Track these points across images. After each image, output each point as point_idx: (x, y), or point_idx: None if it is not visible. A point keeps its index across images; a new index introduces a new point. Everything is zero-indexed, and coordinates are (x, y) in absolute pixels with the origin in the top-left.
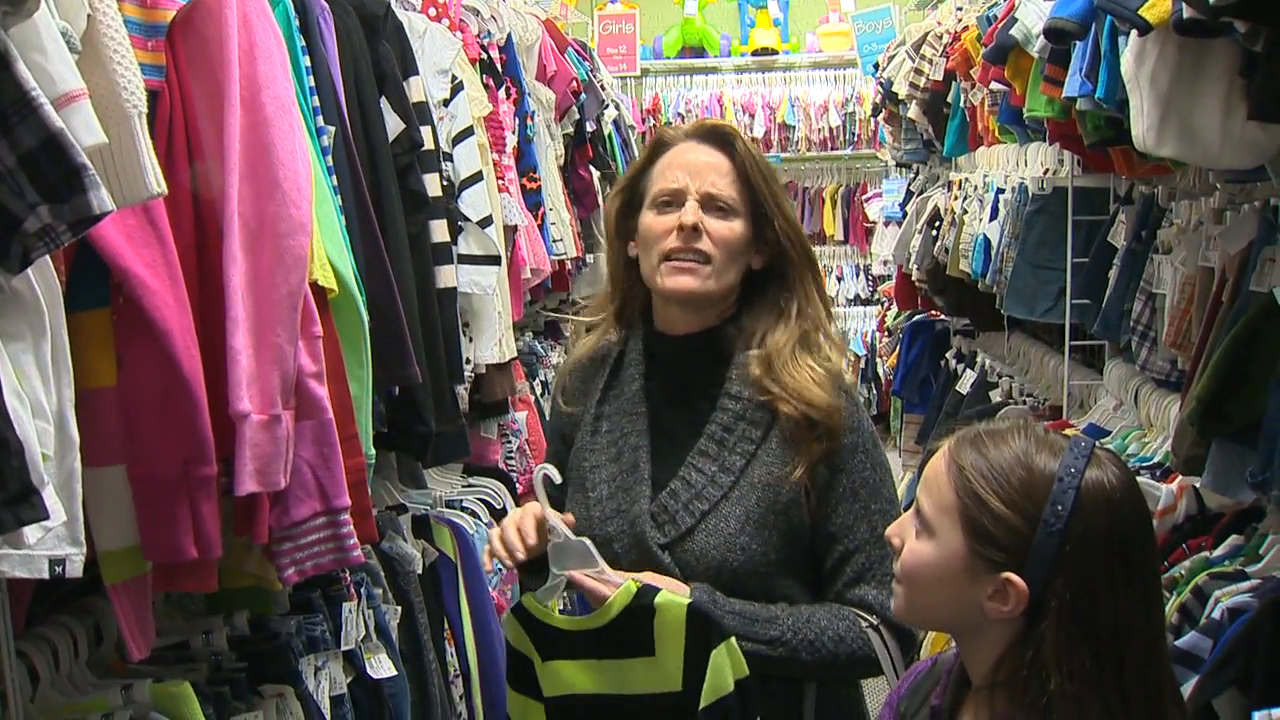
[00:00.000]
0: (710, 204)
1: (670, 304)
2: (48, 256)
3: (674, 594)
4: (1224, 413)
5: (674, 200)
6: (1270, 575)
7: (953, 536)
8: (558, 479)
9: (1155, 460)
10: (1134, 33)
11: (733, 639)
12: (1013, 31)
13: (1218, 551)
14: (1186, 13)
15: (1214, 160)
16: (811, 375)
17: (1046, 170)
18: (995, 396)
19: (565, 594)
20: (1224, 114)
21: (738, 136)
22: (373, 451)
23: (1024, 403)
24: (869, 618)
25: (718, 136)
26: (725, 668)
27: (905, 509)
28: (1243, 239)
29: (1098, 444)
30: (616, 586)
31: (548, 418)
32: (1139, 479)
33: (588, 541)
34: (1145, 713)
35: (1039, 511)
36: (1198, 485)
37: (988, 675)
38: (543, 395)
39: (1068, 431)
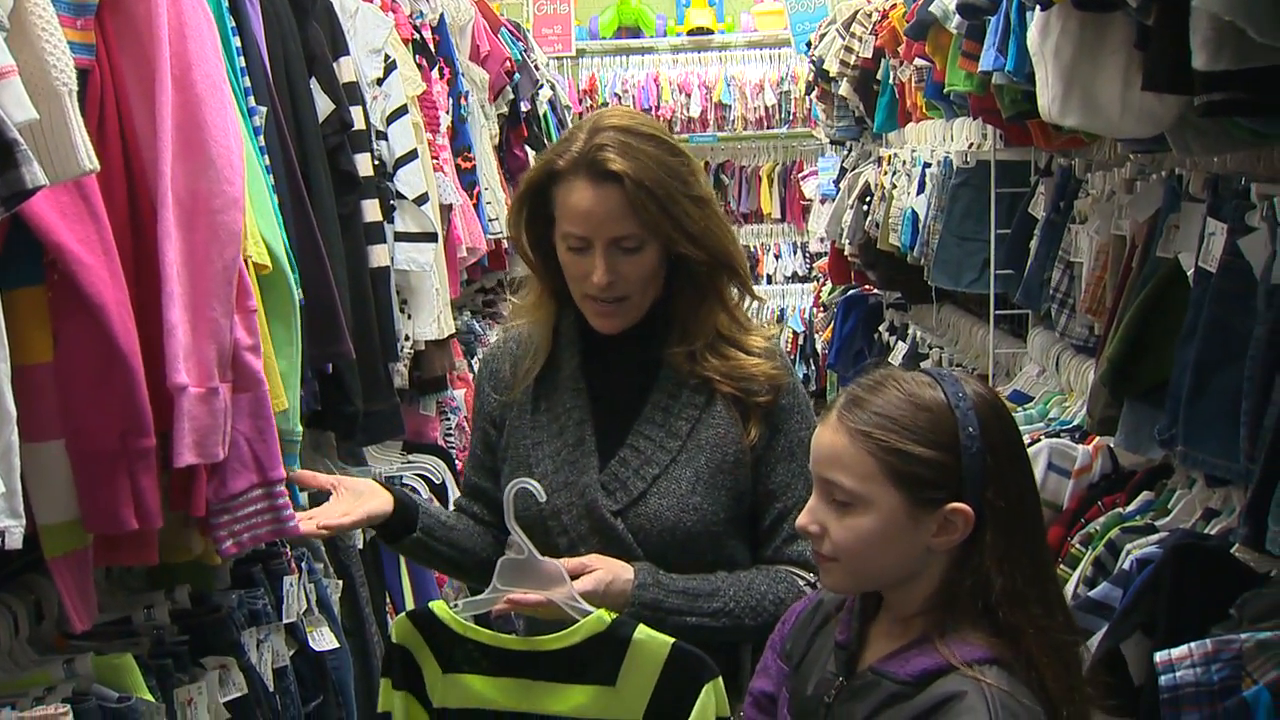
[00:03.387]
0: (617, 246)
1: None
2: None
3: (654, 633)
4: (1134, 374)
5: (582, 246)
6: (1177, 527)
7: (887, 497)
8: (542, 496)
9: (1075, 424)
10: (1038, 7)
11: (719, 679)
12: (931, 8)
13: (1130, 508)
14: None
15: (1115, 129)
16: (742, 349)
17: (971, 144)
18: (926, 367)
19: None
20: (1123, 85)
21: (625, 173)
22: (299, 428)
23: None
24: (806, 575)
25: (605, 174)
26: (711, 707)
27: None
28: (1150, 207)
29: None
30: (586, 614)
31: (474, 402)
32: (1057, 440)
33: (560, 563)
34: (1058, 593)
35: (955, 440)
36: (1112, 445)
37: (923, 603)
38: None
39: None
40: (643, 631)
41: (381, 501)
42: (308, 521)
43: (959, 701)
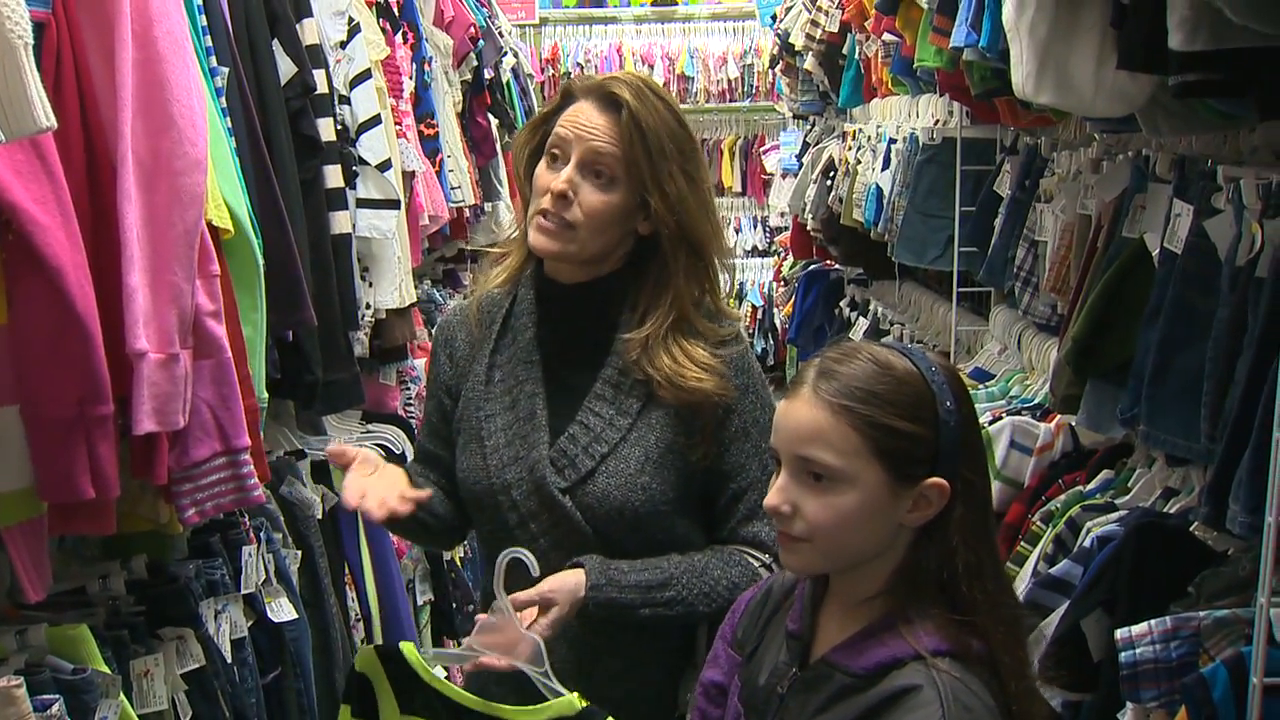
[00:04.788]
0: (590, 167)
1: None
2: None
3: None
4: (1097, 353)
5: (560, 155)
6: (1137, 506)
7: (869, 472)
8: (535, 570)
9: (1036, 401)
10: None
11: None
12: None
13: (1091, 485)
14: None
15: (1088, 108)
16: (689, 359)
17: (937, 121)
18: (888, 341)
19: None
20: (1097, 63)
21: (628, 103)
22: (265, 395)
23: None
24: (761, 556)
25: (608, 99)
26: None
27: None
28: (1116, 187)
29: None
30: (558, 694)
31: (429, 369)
32: (1019, 418)
33: (539, 639)
34: (1004, 568)
35: (935, 414)
36: (1074, 423)
37: (882, 584)
38: None
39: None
40: None
41: (401, 474)
42: (380, 508)
43: (914, 696)
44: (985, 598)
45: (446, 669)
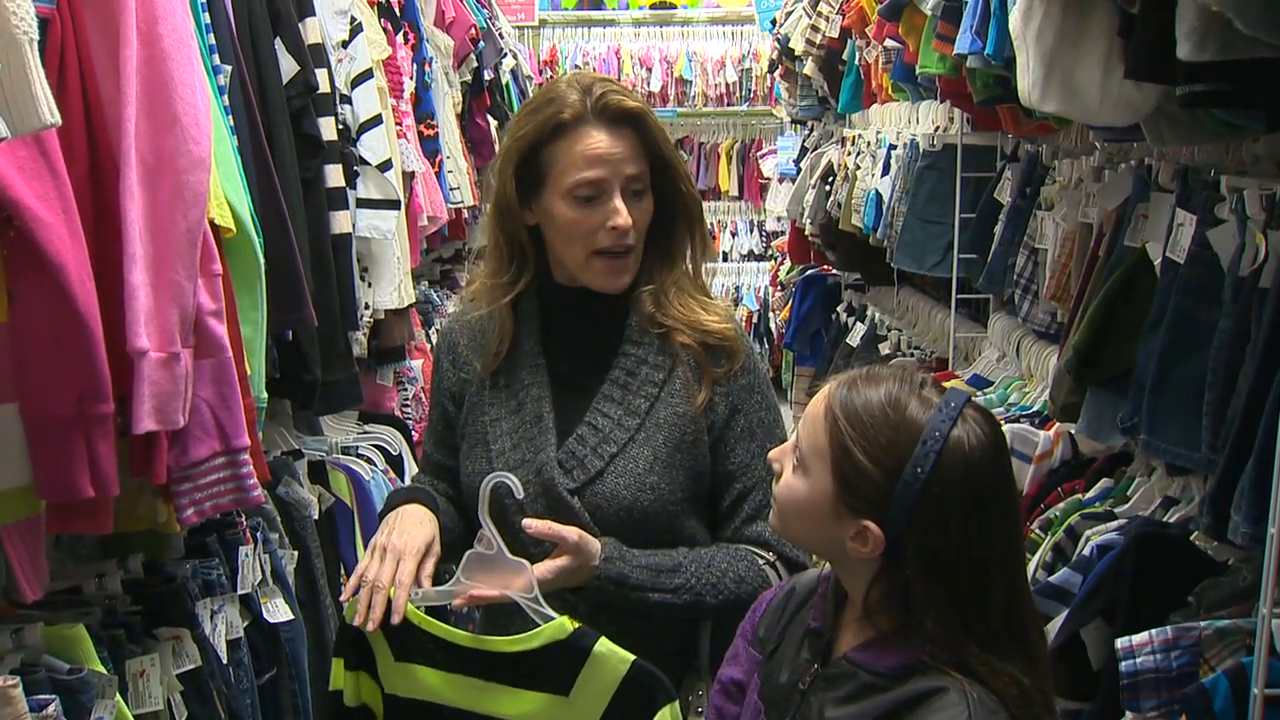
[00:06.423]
0: (628, 190)
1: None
2: None
3: (616, 648)
4: (1098, 361)
5: (597, 195)
6: (1136, 515)
7: (823, 479)
8: (519, 493)
9: (1035, 409)
10: None
11: (676, 702)
12: None
13: (1090, 494)
14: None
15: (1093, 117)
16: (701, 305)
17: (937, 127)
18: (884, 349)
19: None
20: (1104, 72)
21: (646, 112)
22: (265, 394)
23: (911, 355)
24: (765, 554)
25: (627, 118)
26: None
27: None
28: (1119, 196)
29: (971, 399)
30: (549, 619)
31: (433, 376)
32: (1018, 425)
33: (529, 566)
34: (1012, 643)
35: (900, 468)
36: (1073, 431)
37: (863, 603)
38: None
39: (952, 383)
40: (604, 645)
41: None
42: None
43: (940, 697)
44: (977, 661)
45: (452, 612)
